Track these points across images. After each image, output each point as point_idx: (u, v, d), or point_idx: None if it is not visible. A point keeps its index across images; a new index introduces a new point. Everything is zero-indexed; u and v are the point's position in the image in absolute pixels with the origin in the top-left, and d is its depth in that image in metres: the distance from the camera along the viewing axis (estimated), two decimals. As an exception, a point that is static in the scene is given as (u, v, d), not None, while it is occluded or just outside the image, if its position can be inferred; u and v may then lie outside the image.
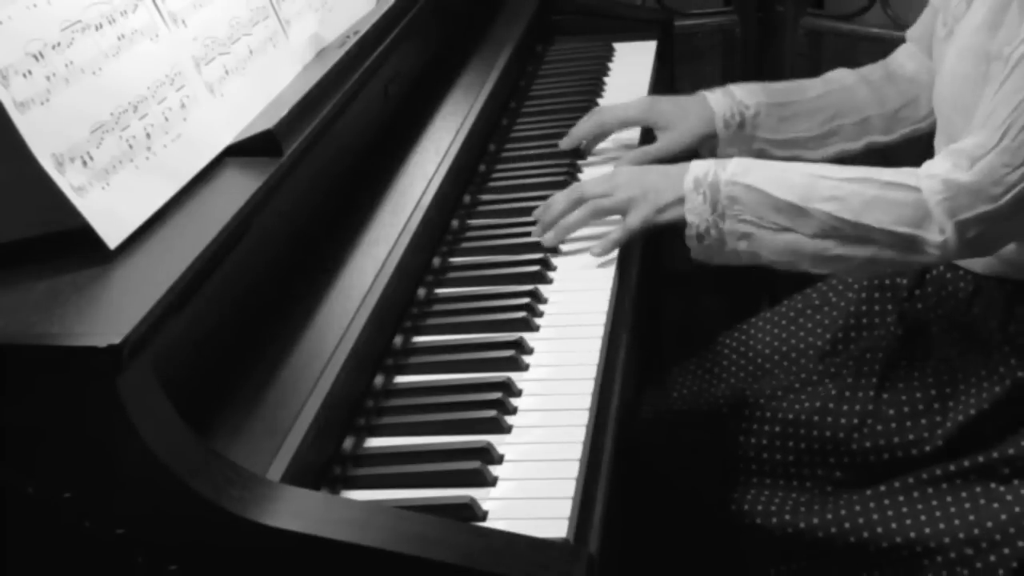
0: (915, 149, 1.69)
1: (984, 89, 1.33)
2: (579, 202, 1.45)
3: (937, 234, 1.30)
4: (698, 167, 1.41)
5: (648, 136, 1.72)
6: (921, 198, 1.31)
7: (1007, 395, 1.38)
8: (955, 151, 1.32)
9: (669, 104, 1.69)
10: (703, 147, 1.68)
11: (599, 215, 1.44)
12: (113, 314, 0.96)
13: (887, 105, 1.67)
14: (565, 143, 1.69)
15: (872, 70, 1.71)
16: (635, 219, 1.41)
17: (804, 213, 1.34)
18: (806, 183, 1.35)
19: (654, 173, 1.45)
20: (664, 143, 1.66)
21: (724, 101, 1.67)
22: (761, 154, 1.67)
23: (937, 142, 1.54)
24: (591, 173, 1.67)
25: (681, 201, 1.39)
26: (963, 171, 1.29)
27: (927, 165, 1.34)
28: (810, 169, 1.38)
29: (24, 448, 0.94)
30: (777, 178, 1.37)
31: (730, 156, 1.64)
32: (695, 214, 1.38)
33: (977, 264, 1.45)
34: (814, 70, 1.75)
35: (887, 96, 1.68)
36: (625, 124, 1.70)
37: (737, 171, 1.38)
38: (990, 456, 1.36)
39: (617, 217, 1.45)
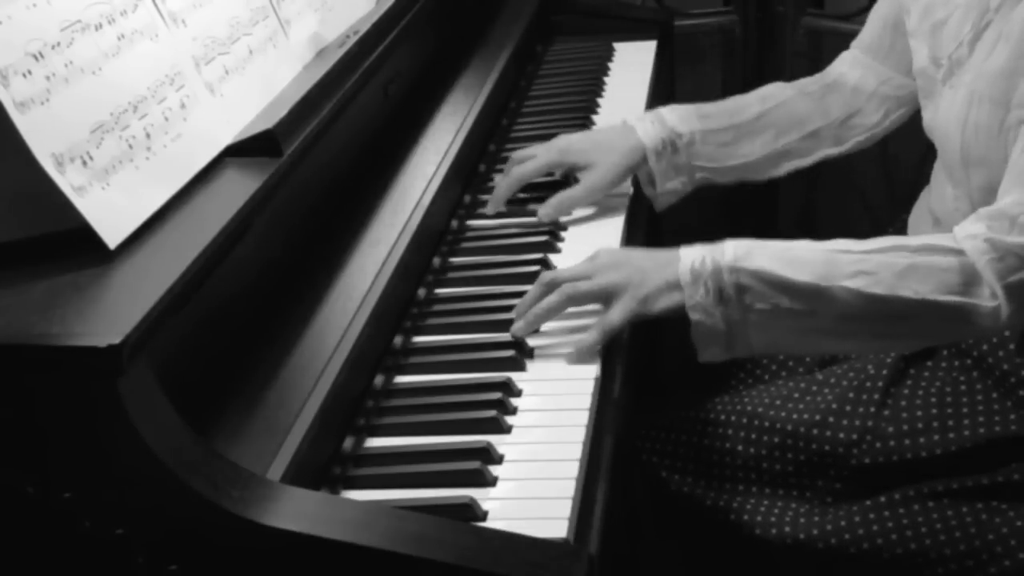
0: (917, 148, 1.68)
1: (1003, 139, 1.29)
2: (552, 286, 1.29)
3: (989, 299, 1.19)
4: (689, 255, 1.26)
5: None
6: (967, 261, 1.20)
7: (1014, 434, 1.36)
8: (990, 213, 1.23)
9: (586, 143, 1.59)
10: (640, 175, 1.62)
11: (576, 301, 1.28)
12: (113, 314, 0.96)
13: (832, 115, 1.63)
14: (491, 209, 1.57)
15: (809, 82, 1.67)
16: (616, 314, 1.25)
17: (825, 294, 1.21)
18: (823, 260, 1.22)
19: (638, 257, 1.30)
20: (587, 184, 1.55)
21: (654, 130, 1.58)
22: (704, 181, 1.63)
23: (936, 177, 1.52)
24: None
25: (671, 287, 1.25)
26: (1005, 232, 1.20)
27: (961, 228, 1.24)
28: (822, 245, 1.25)
29: (24, 448, 0.94)
30: (785, 258, 1.23)
31: (671, 190, 1.61)
32: (699, 311, 1.23)
33: None
34: (814, 70, 1.74)
35: (830, 106, 1.64)
36: (543, 172, 1.59)
37: (738, 255, 1.24)
38: (995, 479, 1.34)
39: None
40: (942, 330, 1.25)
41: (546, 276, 1.31)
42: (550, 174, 1.63)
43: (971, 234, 1.22)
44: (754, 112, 1.63)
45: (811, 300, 1.21)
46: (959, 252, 1.21)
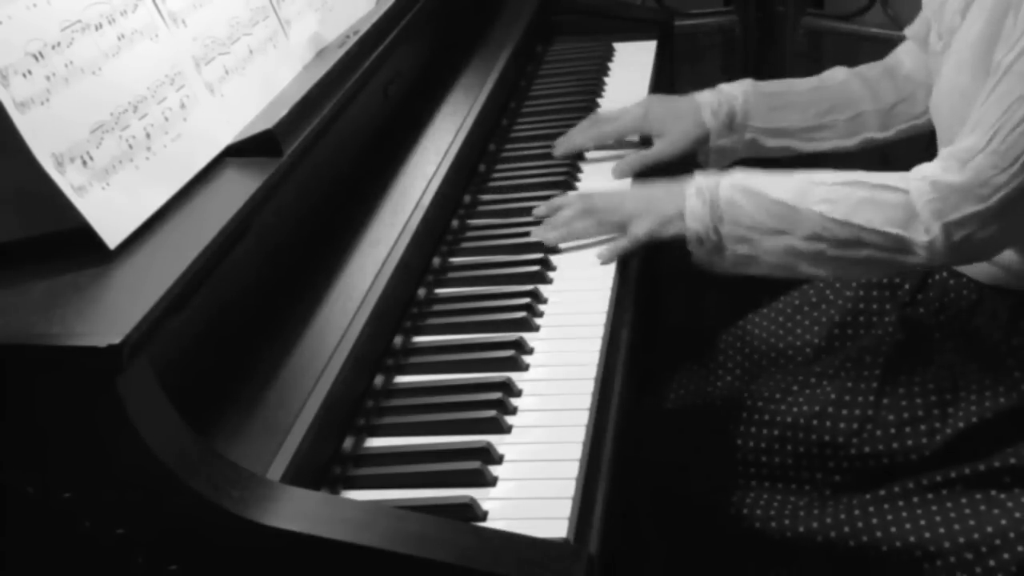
0: (916, 154, 1.69)
1: None
2: (587, 212, 1.47)
3: (923, 234, 1.31)
4: (702, 177, 1.43)
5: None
6: (909, 199, 1.32)
7: (1011, 407, 1.38)
8: (946, 154, 1.32)
9: (662, 110, 1.71)
10: (699, 148, 1.69)
11: (605, 229, 1.46)
12: (113, 314, 0.96)
13: (882, 101, 1.67)
14: (561, 151, 1.70)
15: (869, 67, 1.71)
16: (640, 229, 1.43)
17: (797, 213, 1.36)
18: (801, 187, 1.37)
19: (659, 188, 1.48)
20: (659, 148, 1.67)
21: (712, 95, 1.70)
22: (753, 144, 1.69)
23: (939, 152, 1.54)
24: (591, 172, 1.67)
25: (683, 216, 1.41)
26: (952, 173, 1.30)
27: (918, 168, 1.35)
28: (807, 175, 1.39)
29: (24, 448, 0.94)
30: (775, 181, 1.39)
31: (723, 148, 1.68)
32: (695, 219, 1.40)
33: (980, 273, 1.44)
34: (814, 70, 1.74)
35: (882, 91, 1.68)
36: (622, 135, 1.72)
37: (739, 177, 1.41)
38: (991, 464, 1.36)
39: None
40: (888, 258, 1.35)
41: (584, 200, 1.49)
42: (553, 175, 1.64)
43: (921, 175, 1.33)
44: (809, 85, 1.71)
45: (785, 218, 1.37)
46: (906, 191, 1.33)
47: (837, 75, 1.71)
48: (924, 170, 1.34)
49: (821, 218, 1.35)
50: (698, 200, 1.40)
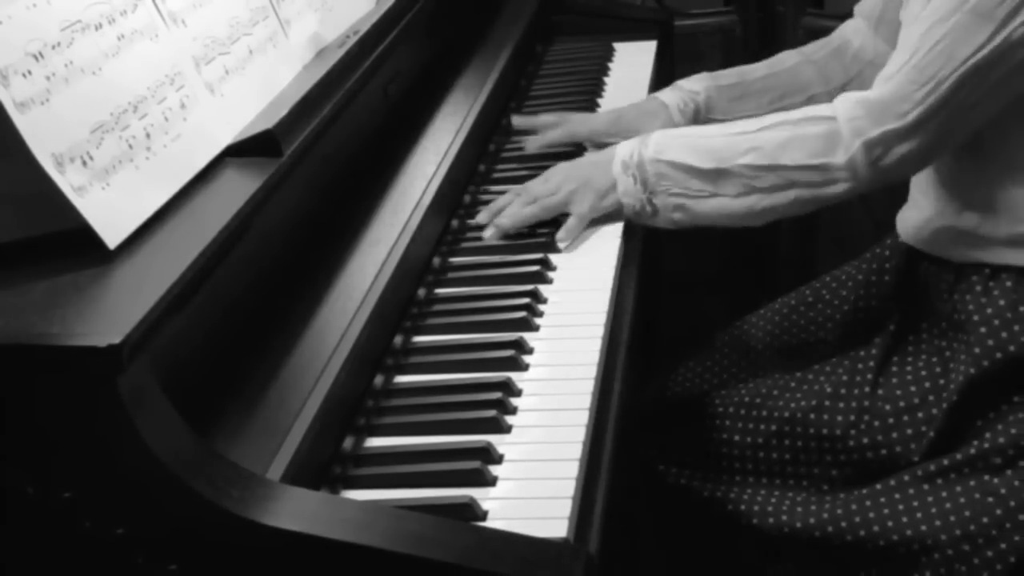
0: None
1: None
2: (527, 200, 1.51)
3: (843, 155, 1.34)
4: (623, 150, 1.48)
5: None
6: (834, 125, 1.36)
7: (987, 375, 1.37)
8: (878, 77, 1.36)
9: (633, 113, 1.72)
10: None
11: (549, 212, 1.50)
12: (113, 314, 0.96)
13: (831, 83, 1.71)
14: (531, 146, 1.71)
15: (817, 48, 1.74)
16: (583, 207, 1.49)
17: (726, 174, 1.41)
18: (724, 144, 1.42)
19: (585, 164, 1.53)
20: None
21: (675, 94, 1.73)
22: None
23: None
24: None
25: (612, 188, 1.47)
26: (876, 90, 1.34)
27: (845, 93, 1.39)
28: (728, 129, 1.45)
29: (24, 448, 0.94)
30: (696, 147, 1.44)
31: None
32: (629, 196, 1.47)
33: (956, 254, 1.44)
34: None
35: (831, 73, 1.71)
36: (593, 137, 1.72)
37: (659, 148, 1.45)
38: (982, 447, 1.36)
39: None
40: (815, 193, 1.39)
41: (521, 190, 1.52)
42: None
43: (846, 97, 1.37)
44: (761, 73, 1.74)
45: (714, 182, 1.42)
46: (832, 118, 1.37)
47: (787, 60, 1.74)
48: (856, 94, 1.37)
49: (748, 169, 1.39)
50: (627, 177, 1.46)
